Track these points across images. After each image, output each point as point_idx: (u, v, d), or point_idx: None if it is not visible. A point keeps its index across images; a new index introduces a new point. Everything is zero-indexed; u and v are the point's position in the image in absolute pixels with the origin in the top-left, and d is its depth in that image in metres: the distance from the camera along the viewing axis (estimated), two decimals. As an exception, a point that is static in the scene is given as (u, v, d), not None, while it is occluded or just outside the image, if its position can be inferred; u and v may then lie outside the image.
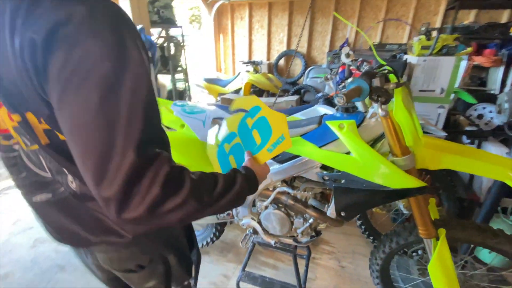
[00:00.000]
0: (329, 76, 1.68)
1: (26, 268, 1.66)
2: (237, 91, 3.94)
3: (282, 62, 5.04)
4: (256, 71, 4.12)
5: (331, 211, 1.11)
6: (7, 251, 1.79)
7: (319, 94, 2.64)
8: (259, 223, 1.33)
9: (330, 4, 4.32)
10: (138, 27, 2.05)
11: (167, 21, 2.71)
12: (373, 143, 1.03)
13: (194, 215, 0.49)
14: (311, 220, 1.21)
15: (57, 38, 0.38)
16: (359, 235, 1.87)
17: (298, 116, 1.42)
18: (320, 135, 1.07)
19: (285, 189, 1.21)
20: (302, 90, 4.18)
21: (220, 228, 1.65)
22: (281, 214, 1.26)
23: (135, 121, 0.41)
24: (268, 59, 5.18)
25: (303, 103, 4.18)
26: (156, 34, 2.87)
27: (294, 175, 1.16)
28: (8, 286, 1.55)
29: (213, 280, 1.58)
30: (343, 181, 1.01)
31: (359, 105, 1.00)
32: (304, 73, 4.67)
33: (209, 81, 4.11)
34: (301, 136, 1.10)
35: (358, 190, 0.96)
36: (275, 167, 1.16)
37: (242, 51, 5.44)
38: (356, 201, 1.00)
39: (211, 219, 1.49)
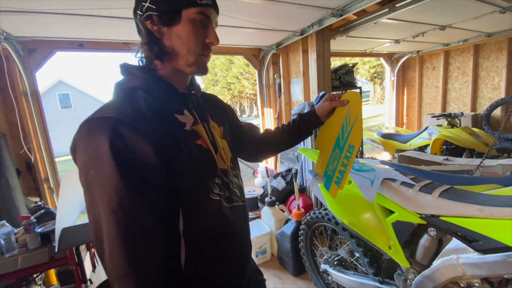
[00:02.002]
0: None
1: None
2: (421, 148, 3.35)
3: (498, 113, 3.78)
4: (452, 125, 3.35)
5: None
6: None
7: None
8: (442, 328, 0.97)
9: None
10: (321, 93, 2.39)
11: (347, 85, 2.95)
12: None
13: None
14: None
15: None
16: None
17: (522, 189, 0.99)
18: None
19: (490, 294, 0.83)
20: (539, 151, 2.84)
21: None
22: (481, 330, 0.85)
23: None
24: (473, 110, 4.08)
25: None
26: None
27: (506, 277, 0.78)
28: None
29: None
30: None
31: None
32: (542, 126, 3.21)
33: (386, 136, 3.82)
34: (522, 220, 0.75)
35: None
36: (471, 255, 0.84)
37: (431, 104, 4.70)
38: None
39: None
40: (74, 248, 1.62)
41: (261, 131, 0.99)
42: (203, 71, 0.66)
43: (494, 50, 3.73)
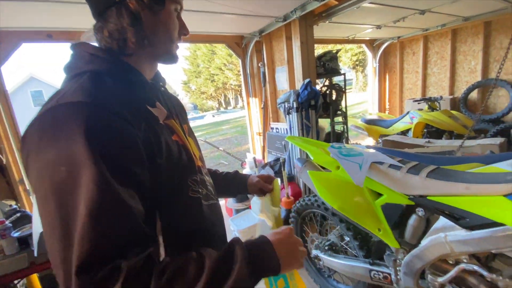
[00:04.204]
0: None
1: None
2: (404, 132, 3.44)
3: (474, 95, 3.92)
4: (432, 108, 3.46)
5: None
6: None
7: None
8: (431, 304, 1.00)
9: None
10: (306, 81, 2.36)
11: (332, 71, 2.94)
12: None
13: None
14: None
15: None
16: None
17: (503, 166, 1.02)
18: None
19: (476, 268, 0.86)
20: (512, 131, 2.99)
21: (373, 291, 1.39)
22: (468, 303, 0.89)
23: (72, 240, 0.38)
24: (451, 93, 4.22)
25: (514, 149, 2.96)
26: (320, 83, 3.19)
27: (493, 252, 0.80)
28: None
29: None
30: None
31: None
32: (515, 107, 3.38)
33: (369, 122, 3.89)
34: (506, 196, 0.77)
35: None
36: (458, 232, 0.87)
37: (412, 89, 4.81)
38: None
39: (362, 277, 1.30)
40: (55, 251, 1.54)
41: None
42: (176, 59, 0.63)
43: (470, 34, 3.84)
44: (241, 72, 3.50)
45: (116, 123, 0.43)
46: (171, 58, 0.61)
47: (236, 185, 0.89)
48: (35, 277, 1.90)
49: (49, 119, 0.42)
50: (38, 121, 0.43)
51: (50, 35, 2.23)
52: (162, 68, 0.68)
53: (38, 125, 0.43)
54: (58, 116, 0.42)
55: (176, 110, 0.68)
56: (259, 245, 0.50)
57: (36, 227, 1.42)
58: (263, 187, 0.88)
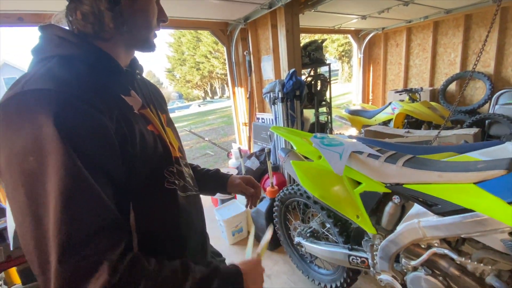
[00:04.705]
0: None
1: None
2: (385, 123, 3.54)
3: (453, 87, 4.06)
4: (413, 99, 3.56)
5: (533, 306, 0.71)
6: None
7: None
8: (403, 286, 1.06)
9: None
10: (291, 71, 2.35)
11: (317, 61, 2.94)
12: None
13: None
14: (491, 309, 0.82)
15: None
16: None
17: (475, 155, 1.07)
18: (512, 185, 0.74)
19: (447, 252, 0.91)
20: (487, 121, 3.14)
21: (352, 275, 1.45)
22: (437, 284, 0.94)
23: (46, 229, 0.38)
24: (431, 85, 4.35)
25: (488, 139, 3.12)
26: (306, 73, 3.19)
27: (463, 236, 0.85)
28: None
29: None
30: (561, 264, 0.63)
31: None
32: (490, 98, 3.54)
33: (353, 112, 3.96)
34: (476, 183, 0.81)
35: None
36: (431, 218, 0.91)
37: (394, 80, 4.92)
38: None
39: (341, 262, 1.35)
40: (33, 244, 1.49)
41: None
42: (154, 47, 0.60)
43: (451, 26, 3.93)
44: (226, 60, 3.43)
45: (86, 112, 0.42)
46: (148, 46, 0.59)
47: (215, 184, 0.88)
48: (13, 271, 1.84)
49: (14, 107, 0.40)
50: (3, 108, 0.40)
51: (21, 18, 2.08)
52: (145, 56, 0.65)
53: (3, 113, 0.40)
54: (24, 103, 0.40)
55: (154, 99, 0.65)
56: (232, 275, 0.55)
57: (11, 220, 1.36)
58: (244, 190, 0.88)
